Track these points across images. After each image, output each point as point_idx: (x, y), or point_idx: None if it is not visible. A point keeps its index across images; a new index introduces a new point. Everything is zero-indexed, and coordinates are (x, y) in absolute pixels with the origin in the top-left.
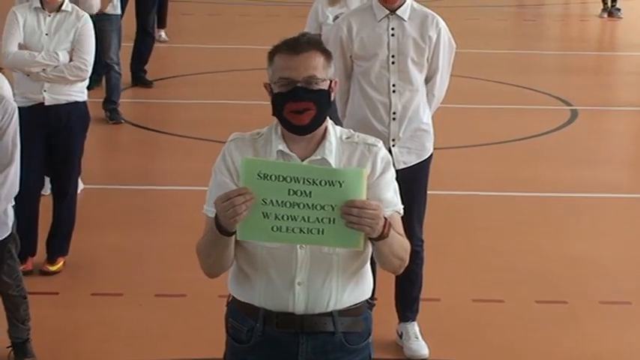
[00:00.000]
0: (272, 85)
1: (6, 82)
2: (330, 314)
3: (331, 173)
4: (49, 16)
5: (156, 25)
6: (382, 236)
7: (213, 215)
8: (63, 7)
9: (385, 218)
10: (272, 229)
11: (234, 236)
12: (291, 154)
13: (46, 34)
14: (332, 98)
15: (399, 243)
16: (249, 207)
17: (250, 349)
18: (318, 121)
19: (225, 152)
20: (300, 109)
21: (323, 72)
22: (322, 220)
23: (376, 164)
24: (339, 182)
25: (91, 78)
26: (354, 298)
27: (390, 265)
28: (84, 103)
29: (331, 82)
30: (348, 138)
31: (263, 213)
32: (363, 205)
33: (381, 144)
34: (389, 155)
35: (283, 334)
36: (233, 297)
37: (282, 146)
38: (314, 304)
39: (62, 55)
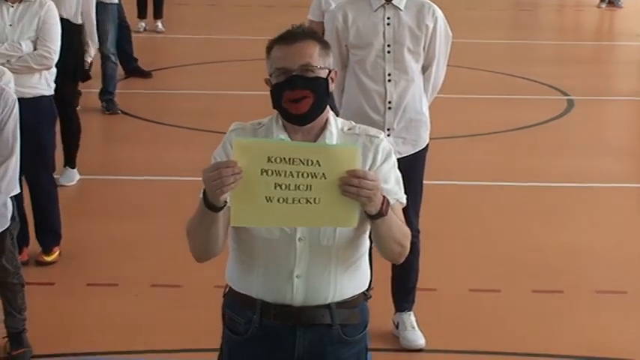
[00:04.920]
0: (270, 78)
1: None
2: (328, 306)
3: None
4: (12, 6)
5: (152, 16)
6: (381, 213)
7: None
8: None
9: (384, 196)
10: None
11: (221, 215)
12: None
13: (10, 25)
14: (331, 88)
15: (399, 227)
16: (237, 180)
17: (247, 341)
18: (316, 110)
19: (226, 141)
20: (298, 97)
21: (319, 60)
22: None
23: (377, 155)
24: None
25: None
26: (351, 290)
27: (390, 251)
28: (50, 97)
29: (330, 71)
30: (349, 129)
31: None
32: (365, 176)
33: (382, 135)
34: (390, 146)
35: (280, 326)
36: (230, 288)
37: (283, 135)
38: (312, 296)
39: (25, 44)
